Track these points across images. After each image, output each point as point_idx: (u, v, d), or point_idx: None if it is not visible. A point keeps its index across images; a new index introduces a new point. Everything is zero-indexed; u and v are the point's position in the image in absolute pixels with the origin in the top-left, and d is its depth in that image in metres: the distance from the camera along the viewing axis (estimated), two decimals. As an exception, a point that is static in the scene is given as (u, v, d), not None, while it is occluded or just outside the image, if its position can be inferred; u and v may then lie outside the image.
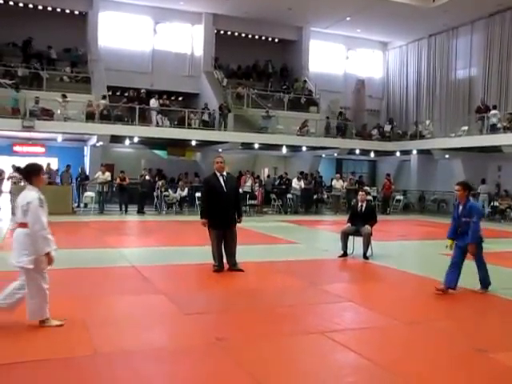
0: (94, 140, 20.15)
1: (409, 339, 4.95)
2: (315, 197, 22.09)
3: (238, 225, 7.87)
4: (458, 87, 25.35)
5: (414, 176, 25.00)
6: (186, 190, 19.78)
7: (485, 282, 6.74)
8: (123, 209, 18.63)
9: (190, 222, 16.07)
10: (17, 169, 4.52)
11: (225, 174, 7.67)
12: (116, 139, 20.74)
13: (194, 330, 5.05)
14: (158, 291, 6.53)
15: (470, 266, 6.88)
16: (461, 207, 6.61)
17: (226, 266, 7.87)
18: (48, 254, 4.74)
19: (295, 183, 20.78)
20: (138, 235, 13.39)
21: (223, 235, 7.66)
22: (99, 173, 18.58)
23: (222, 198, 7.48)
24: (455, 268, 6.62)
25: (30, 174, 4.89)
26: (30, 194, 4.77)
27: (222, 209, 7.48)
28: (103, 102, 20.28)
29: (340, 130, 24.46)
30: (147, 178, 19.27)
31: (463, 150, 21.04)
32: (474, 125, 21.59)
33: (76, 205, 19.05)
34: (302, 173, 21.78)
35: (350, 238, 9.71)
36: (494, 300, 6.59)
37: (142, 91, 22.40)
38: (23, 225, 4.77)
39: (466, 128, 21.55)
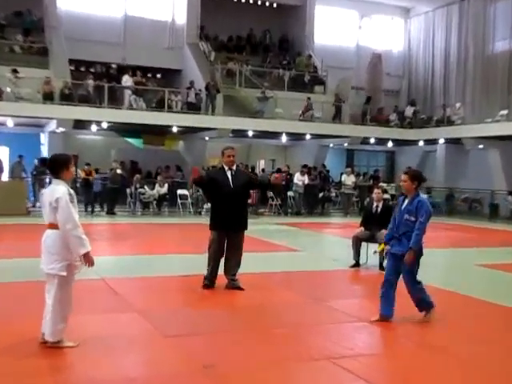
0: (53, 125, 20.09)
1: (434, 368, 4.98)
2: (321, 195, 22.16)
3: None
4: (496, 62, 25.33)
5: (441, 170, 25.09)
6: (166, 186, 19.78)
7: (423, 303, 6.26)
8: (89, 209, 18.62)
9: (170, 225, 16.09)
10: (41, 160, 4.59)
11: (234, 168, 7.78)
12: (80, 124, 20.69)
13: (175, 355, 5.07)
14: (131, 309, 6.54)
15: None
16: (406, 202, 6.26)
17: (219, 283, 7.83)
18: (86, 255, 4.91)
19: (297, 179, 20.83)
20: (108, 241, 13.37)
21: (226, 239, 7.66)
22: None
23: (226, 194, 7.55)
24: (388, 288, 6.18)
25: (57, 166, 5.06)
26: (59, 189, 4.93)
27: (225, 207, 7.53)
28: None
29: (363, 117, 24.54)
30: (118, 171, 19.25)
31: (501, 138, 21.13)
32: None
33: (31, 204, 19.01)
34: (305, 166, 21.83)
35: (364, 244, 9.76)
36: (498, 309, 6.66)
37: (113, 66, 22.36)
38: (53, 225, 4.95)
39: (505, 112, 21.62)
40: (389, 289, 6.20)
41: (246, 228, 7.82)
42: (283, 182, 21.05)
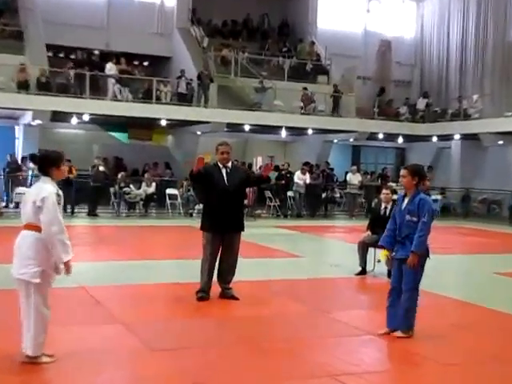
0: (28, 117, 20.04)
1: (448, 384, 4.98)
2: (324, 195, 22.17)
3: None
4: (518, 50, 25.38)
5: (456, 169, 25.12)
6: (154, 185, 19.76)
7: (406, 318, 6.10)
8: (69, 210, 18.59)
9: (158, 228, 16.08)
10: (31, 157, 4.58)
11: (229, 165, 7.79)
12: (59, 117, 20.65)
13: (163, 371, 5.05)
14: (115, 320, 6.53)
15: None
16: (406, 201, 6.20)
17: (212, 291, 7.79)
18: (67, 263, 4.91)
19: (298, 177, 20.82)
20: (89, 245, 13.32)
21: (221, 243, 7.63)
22: (36, 162, 18.50)
23: (221, 193, 7.55)
24: (396, 297, 6.16)
25: (47, 163, 5.07)
26: (46, 188, 4.92)
27: (219, 207, 7.52)
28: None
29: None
30: (101, 169, 19.23)
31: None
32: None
33: (4, 204, 18.98)
34: (306, 164, 21.83)
35: (371, 250, 9.75)
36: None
37: (95, 53, 22.32)
38: (32, 226, 4.91)
39: (527, 105, 21.67)
40: (396, 298, 6.18)
41: (242, 229, 7.80)
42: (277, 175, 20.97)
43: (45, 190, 4.91)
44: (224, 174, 7.66)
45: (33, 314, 4.90)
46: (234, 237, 7.70)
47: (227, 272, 7.73)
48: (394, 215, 6.33)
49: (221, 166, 7.73)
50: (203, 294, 7.56)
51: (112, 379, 4.90)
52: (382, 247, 6.45)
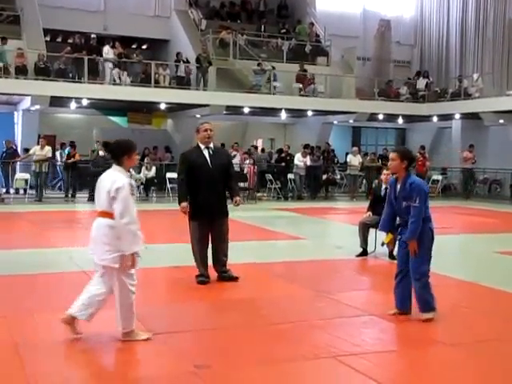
0: (27, 103, 19.99)
1: (454, 366, 4.97)
2: (325, 177, 22.16)
3: (232, 215, 7.81)
4: (519, 28, 25.20)
5: (457, 148, 25.02)
6: (154, 169, 19.75)
7: (424, 303, 6.06)
8: (70, 194, 18.61)
9: (158, 212, 16.07)
10: (104, 144, 4.59)
11: (211, 146, 7.55)
12: (58, 102, 20.58)
13: (164, 354, 5.04)
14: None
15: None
16: (398, 186, 6.09)
17: (211, 274, 7.79)
18: (133, 255, 5.07)
19: (298, 159, 20.79)
20: (89, 230, 13.34)
21: (209, 230, 7.55)
22: (36, 147, 18.47)
23: (205, 178, 7.34)
24: (402, 279, 6.14)
25: (120, 152, 5.19)
26: (120, 178, 5.04)
27: (205, 192, 7.35)
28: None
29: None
30: (101, 153, 19.15)
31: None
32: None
33: (4, 190, 18.98)
34: (307, 146, 21.78)
35: (372, 231, 9.73)
36: None
37: (93, 37, 22.20)
38: (106, 214, 5.07)
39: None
40: (403, 279, 6.15)
41: (227, 214, 7.65)
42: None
43: (119, 180, 5.01)
44: (207, 157, 7.42)
45: (119, 294, 5.13)
46: (222, 222, 7.56)
47: (221, 256, 7.63)
48: (391, 200, 6.24)
49: (203, 147, 7.46)
50: (203, 278, 7.52)
51: (114, 362, 4.89)
52: (387, 231, 6.37)
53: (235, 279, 7.61)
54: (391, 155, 6.19)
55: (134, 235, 5.03)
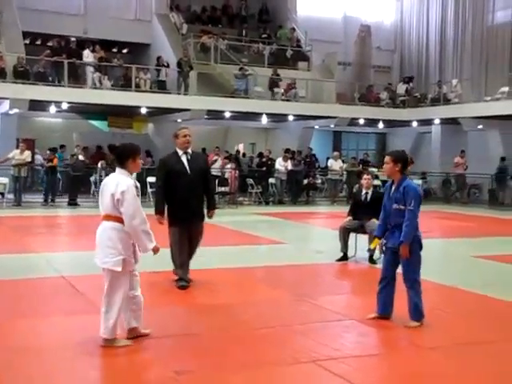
0: (5, 106, 19.80)
1: (433, 369, 5.00)
2: (306, 182, 22.22)
3: (206, 220, 7.81)
4: (497, 35, 25.48)
5: (436, 153, 25.29)
6: (135, 174, 19.60)
7: (416, 311, 6.04)
8: (49, 199, 18.46)
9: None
10: (110, 147, 4.61)
11: (189, 151, 7.56)
12: (37, 105, 20.46)
13: (144, 361, 5.03)
14: (95, 310, 6.46)
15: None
16: (393, 189, 6.10)
17: (196, 278, 7.76)
18: (153, 249, 5.20)
19: (280, 164, 20.83)
20: (69, 235, 13.28)
21: (185, 234, 7.52)
22: (16, 151, 18.31)
23: (184, 183, 7.35)
24: (386, 285, 6.14)
25: (125, 155, 5.24)
26: (125, 181, 5.10)
27: (184, 198, 7.36)
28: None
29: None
30: (81, 158, 19.08)
31: (502, 118, 21.31)
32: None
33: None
34: (288, 150, 21.84)
35: (352, 235, 9.79)
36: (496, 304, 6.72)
37: (73, 40, 22.09)
38: (111, 217, 5.12)
39: (506, 89, 21.77)
40: (387, 285, 6.16)
41: (204, 218, 7.68)
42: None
43: (123, 182, 5.06)
44: (185, 162, 7.43)
45: (107, 299, 5.16)
46: (198, 225, 7.58)
47: (191, 257, 7.68)
48: (385, 204, 6.25)
49: (180, 152, 7.46)
50: (184, 282, 7.52)
51: (93, 368, 4.86)
52: (378, 237, 6.41)
53: (190, 281, 7.61)
54: (385, 158, 6.19)
55: (148, 234, 5.11)
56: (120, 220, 5.07)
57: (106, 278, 5.20)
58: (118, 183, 5.07)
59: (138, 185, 5.14)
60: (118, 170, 5.25)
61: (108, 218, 5.15)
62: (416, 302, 6.04)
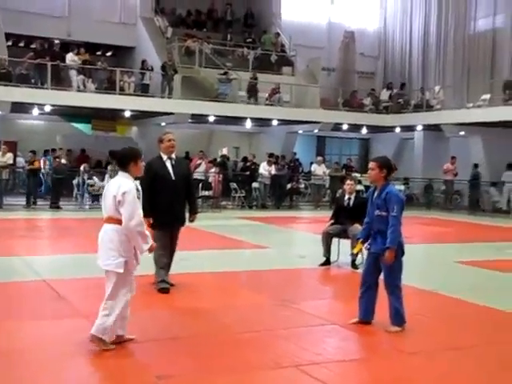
0: (-13, 109, 19.66)
1: (415, 374, 5.04)
2: (289, 186, 22.25)
3: (188, 224, 7.80)
4: (479, 42, 25.76)
5: (419, 159, 25.42)
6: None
7: (397, 316, 6.07)
8: (31, 202, 18.32)
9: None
10: (111, 153, 4.64)
11: (173, 156, 7.58)
12: (20, 108, 20.32)
13: (126, 365, 5.00)
14: (76, 313, 6.46)
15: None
16: (375, 194, 6.14)
17: (180, 282, 7.75)
18: (149, 249, 5.31)
19: (264, 168, 20.85)
20: (51, 238, 13.19)
21: (168, 238, 7.53)
22: (-3, 153, 18.20)
23: (169, 188, 7.40)
24: (367, 290, 6.18)
25: (126, 159, 5.33)
26: (127, 183, 5.20)
27: (168, 202, 7.40)
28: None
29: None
30: (63, 161, 18.93)
31: (484, 125, 21.49)
32: (499, 92, 21.97)
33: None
34: (271, 155, 21.85)
35: (335, 240, 9.80)
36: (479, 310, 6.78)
37: (56, 42, 21.97)
38: (113, 220, 5.20)
39: (487, 96, 21.98)
40: (368, 290, 6.19)
41: (185, 222, 7.73)
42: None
43: (125, 184, 5.16)
44: (169, 167, 7.48)
45: (108, 300, 5.22)
46: (178, 230, 7.68)
47: (170, 262, 7.68)
48: (369, 210, 6.29)
49: (165, 157, 7.50)
50: (166, 284, 7.52)
51: (75, 373, 4.83)
52: (362, 242, 6.46)
53: (172, 285, 7.61)
54: (370, 164, 6.20)
55: (144, 235, 5.19)
56: (120, 222, 5.15)
57: (108, 279, 5.25)
58: (120, 185, 5.16)
59: (140, 188, 5.13)
60: (120, 173, 5.34)
61: (110, 220, 5.24)
62: (397, 307, 6.06)
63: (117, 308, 5.20)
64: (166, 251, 7.50)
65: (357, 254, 7.36)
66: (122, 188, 5.13)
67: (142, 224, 5.16)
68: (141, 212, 5.19)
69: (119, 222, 5.15)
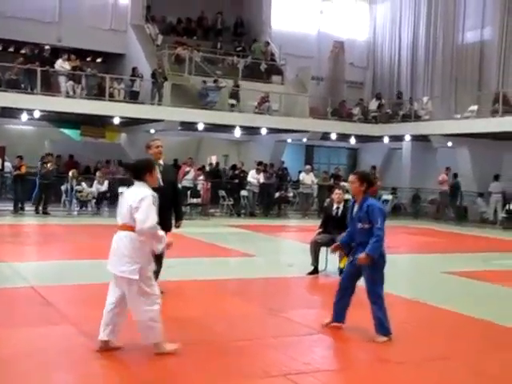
0: (-24, 113, 19.58)
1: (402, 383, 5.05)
2: (277, 195, 22.28)
3: (175, 231, 7.82)
4: (467, 54, 25.98)
5: (407, 169, 25.55)
6: (106, 183, 19.55)
7: (381, 326, 6.12)
8: (19, 207, 18.23)
9: (110, 227, 15.87)
10: (125, 165, 4.65)
11: (161, 163, 7.63)
12: (9, 113, 20.27)
13: (114, 372, 5.00)
14: (65, 320, 6.44)
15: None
16: (356, 207, 6.23)
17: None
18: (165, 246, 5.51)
19: (252, 177, 20.86)
20: (39, 245, 13.13)
21: None
22: (-15, 158, 18.12)
23: (156, 193, 7.41)
24: (343, 295, 6.36)
25: (142, 171, 5.46)
26: (142, 190, 5.30)
27: (157, 208, 7.41)
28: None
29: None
30: (49, 166, 18.76)
31: (471, 136, 21.62)
32: (487, 103, 22.14)
33: None
34: (260, 163, 21.88)
35: (323, 249, 9.83)
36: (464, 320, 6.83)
37: (46, 48, 21.92)
38: (128, 227, 5.27)
39: (475, 108, 22.15)
40: (343, 295, 6.33)
41: (171, 229, 7.72)
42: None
43: (142, 192, 5.27)
44: (158, 173, 7.49)
45: (136, 309, 5.29)
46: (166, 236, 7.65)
47: (159, 270, 7.67)
48: (350, 221, 6.39)
49: None
50: None
51: (62, 381, 4.81)
52: (340, 248, 6.70)
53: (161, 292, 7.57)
54: (351, 178, 6.28)
55: (157, 237, 5.30)
56: (134, 229, 5.22)
57: (122, 286, 5.30)
58: (137, 193, 5.27)
59: (156, 195, 5.26)
60: (136, 183, 5.43)
61: (124, 227, 5.30)
62: (379, 317, 6.12)
63: (147, 312, 5.25)
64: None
65: (343, 268, 7.44)
66: (138, 195, 5.23)
67: (155, 227, 5.22)
68: (155, 217, 5.23)
69: (133, 229, 5.22)
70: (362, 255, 6.00)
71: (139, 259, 5.23)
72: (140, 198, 5.21)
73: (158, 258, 7.63)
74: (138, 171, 5.47)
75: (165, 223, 7.50)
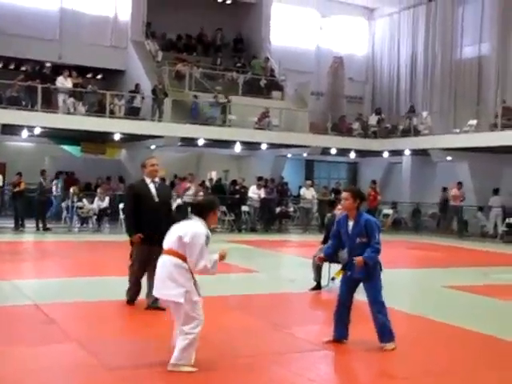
0: (-24, 130, 19.63)
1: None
2: (278, 210, 22.29)
3: None
4: (465, 69, 26.14)
5: (407, 183, 25.60)
6: (107, 199, 19.56)
7: (385, 332, 6.26)
8: (19, 224, 18.24)
9: (111, 244, 15.89)
10: (192, 204, 4.80)
11: (157, 180, 7.89)
12: (9, 129, 20.31)
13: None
14: (69, 338, 6.43)
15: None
16: (351, 223, 6.35)
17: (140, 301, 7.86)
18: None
19: (253, 192, 20.90)
20: (41, 262, 13.11)
21: (148, 255, 7.55)
22: (-14, 175, 18.16)
23: (152, 209, 7.68)
24: (343, 310, 6.44)
25: (208, 209, 5.61)
26: (198, 226, 5.40)
27: (151, 221, 7.61)
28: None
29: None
30: (43, 182, 18.74)
31: (470, 150, 21.72)
32: (485, 118, 22.22)
33: None
34: (260, 178, 21.93)
35: (325, 264, 9.83)
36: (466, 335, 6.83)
37: (47, 65, 22.04)
38: (173, 252, 5.38)
39: (474, 122, 22.23)
40: (343, 311, 6.39)
41: None
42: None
43: (196, 228, 5.36)
44: (153, 190, 7.80)
45: (189, 328, 5.34)
46: (161, 250, 7.68)
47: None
48: (336, 234, 6.55)
49: (148, 180, 7.84)
50: (130, 297, 7.98)
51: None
52: (325, 260, 7.10)
53: (163, 310, 7.53)
54: (343, 195, 6.45)
55: (211, 271, 5.45)
56: (180, 256, 5.33)
57: (173, 310, 5.44)
58: (192, 227, 5.38)
59: (210, 235, 5.41)
60: (194, 218, 5.51)
61: (169, 252, 5.41)
62: (384, 322, 6.22)
63: (191, 335, 5.31)
64: (141, 268, 7.78)
65: (333, 278, 7.45)
66: (192, 229, 5.33)
67: (209, 262, 5.35)
68: (208, 257, 5.35)
69: (178, 255, 5.33)
70: (359, 257, 6.14)
71: (184, 283, 5.33)
72: (193, 232, 5.30)
73: (154, 269, 7.71)
74: (202, 208, 5.62)
75: (160, 238, 7.57)
